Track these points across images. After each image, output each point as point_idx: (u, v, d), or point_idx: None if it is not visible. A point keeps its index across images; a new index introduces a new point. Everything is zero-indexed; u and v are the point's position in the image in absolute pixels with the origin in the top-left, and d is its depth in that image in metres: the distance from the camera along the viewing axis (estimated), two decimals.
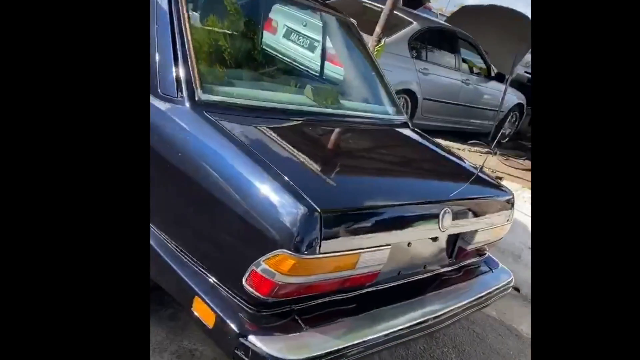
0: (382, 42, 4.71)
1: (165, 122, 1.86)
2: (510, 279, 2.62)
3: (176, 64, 1.96)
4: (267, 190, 1.64)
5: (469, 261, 2.52)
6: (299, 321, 1.69)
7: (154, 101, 1.92)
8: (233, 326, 1.61)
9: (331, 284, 1.77)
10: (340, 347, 1.69)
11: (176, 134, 1.85)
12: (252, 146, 1.80)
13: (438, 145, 2.83)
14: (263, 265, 1.59)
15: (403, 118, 2.88)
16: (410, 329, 1.96)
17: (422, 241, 2.09)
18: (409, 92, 6.29)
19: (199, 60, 2.03)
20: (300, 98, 2.40)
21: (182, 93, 1.92)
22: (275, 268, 1.58)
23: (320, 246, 1.59)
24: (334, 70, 3.17)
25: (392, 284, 2.09)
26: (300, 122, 2.22)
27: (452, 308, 2.18)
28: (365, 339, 1.79)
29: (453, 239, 2.31)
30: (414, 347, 2.80)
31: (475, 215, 2.29)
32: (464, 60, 7.22)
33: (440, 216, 2.00)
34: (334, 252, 1.66)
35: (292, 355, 1.59)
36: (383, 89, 2.90)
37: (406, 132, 2.78)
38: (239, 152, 1.74)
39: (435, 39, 6.77)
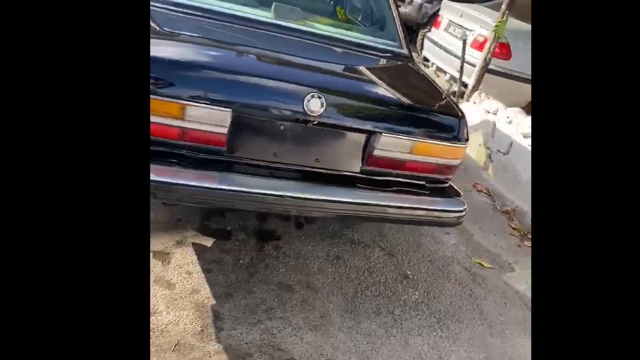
0: (505, 18, 4.51)
1: None
2: (449, 209, 2.43)
3: None
4: None
5: (402, 179, 2.42)
6: None
7: None
8: None
9: (164, 129, 2.04)
10: None
11: None
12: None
13: (423, 75, 2.77)
14: None
15: (400, 50, 2.90)
16: (246, 196, 2.10)
17: (292, 124, 2.17)
18: None
19: None
20: (256, 12, 2.69)
21: None
22: None
23: None
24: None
25: (267, 164, 2.22)
26: (222, 21, 2.53)
27: (323, 198, 2.20)
28: (179, 181, 2.02)
29: (363, 142, 2.30)
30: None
31: (373, 115, 2.27)
32: None
33: (305, 99, 2.09)
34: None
35: None
36: (384, 24, 2.98)
37: (386, 60, 2.81)
38: None
39: None
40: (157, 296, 2.22)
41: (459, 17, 5.90)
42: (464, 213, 2.46)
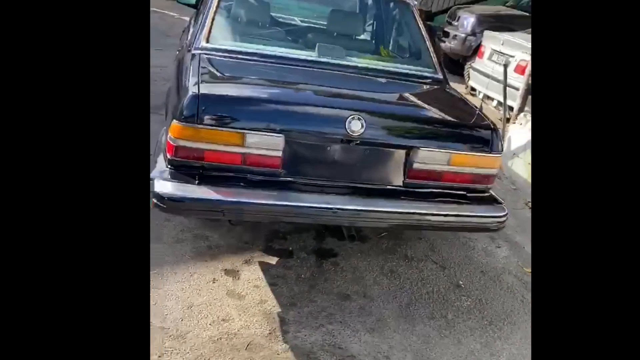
0: None
1: (185, 58, 2.84)
2: (490, 215, 2.62)
3: (201, 31, 2.94)
4: (184, 85, 2.44)
5: (443, 190, 2.63)
6: (196, 178, 2.36)
7: (188, 54, 2.90)
8: (152, 175, 2.40)
9: (229, 156, 2.37)
10: (209, 197, 2.28)
11: (184, 60, 2.82)
12: (204, 64, 2.62)
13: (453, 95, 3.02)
14: (168, 133, 2.37)
15: (435, 75, 3.17)
16: (300, 210, 2.38)
17: (338, 145, 2.45)
18: None
19: (214, 28, 2.96)
20: (302, 52, 3.04)
21: (195, 45, 2.88)
22: (172, 133, 2.33)
23: (197, 118, 2.28)
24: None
25: (319, 182, 2.50)
26: (273, 62, 2.88)
27: (369, 209, 2.45)
28: (243, 200, 2.33)
29: (403, 157, 2.55)
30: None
31: (410, 132, 2.53)
32: None
33: (347, 121, 2.38)
34: (213, 125, 2.30)
35: (170, 193, 2.28)
36: (420, 54, 3.27)
37: (422, 84, 3.08)
38: (191, 65, 2.59)
39: None
40: (230, 306, 2.51)
41: (501, 45, 6.11)
42: (505, 218, 2.63)
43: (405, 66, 3.19)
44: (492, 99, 6.21)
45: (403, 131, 2.53)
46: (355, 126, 2.38)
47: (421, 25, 3.38)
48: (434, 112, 2.76)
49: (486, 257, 3.38)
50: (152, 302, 2.41)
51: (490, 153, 2.59)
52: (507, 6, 9.28)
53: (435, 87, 3.11)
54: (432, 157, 2.53)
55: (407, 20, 3.49)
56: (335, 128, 2.41)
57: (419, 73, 3.16)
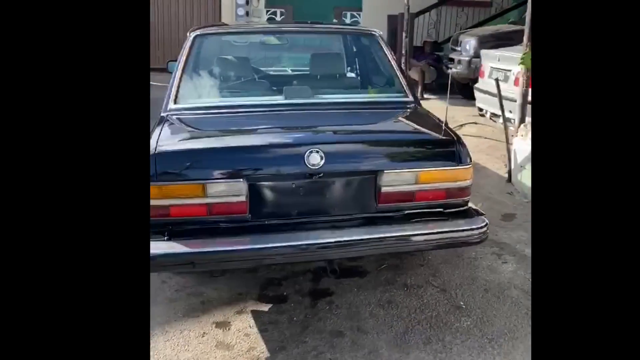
0: (528, 49, 4.68)
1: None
2: (469, 228, 2.56)
3: (169, 95, 3.05)
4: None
5: (419, 210, 2.60)
6: (165, 234, 2.41)
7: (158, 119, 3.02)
8: None
9: (193, 208, 2.43)
10: (175, 252, 2.32)
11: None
12: (169, 125, 2.72)
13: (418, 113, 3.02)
14: None
15: (406, 99, 3.18)
16: (271, 251, 2.39)
17: (302, 181, 2.47)
18: None
19: (181, 89, 3.07)
20: (270, 98, 3.12)
21: (164, 108, 2.99)
22: None
23: (156, 176, 2.35)
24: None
25: (289, 221, 2.52)
26: (239, 112, 2.96)
27: (342, 239, 2.43)
28: (211, 249, 2.36)
29: (370, 183, 2.54)
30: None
31: (371, 156, 2.53)
32: None
33: (306, 155, 2.40)
34: (172, 180, 2.37)
35: None
36: (392, 82, 3.30)
37: (391, 109, 3.10)
38: (156, 128, 2.68)
39: None
40: (217, 357, 2.50)
41: (497, 61, 6.08)
42: (485, 229, 2.56)
43: (375, 95, 3.22)
44: (499, 116, 6.12)
45: (365, 157, 2.54)
46: (314, 159, 2.39)
47: (388, 53, 3.42)
48: (396, 134, 2.76)
49: (490, 274, 3.27)
50: None
51: (458, 165, 2.55)
52: (510, 23, 9.27)
53: (404, 109, 3.11)
54: (398, 179, 2.51)
55: (375, 50, 3.54)
56: (294, 165, 2.43)
57: (389, 99, 3.19)
